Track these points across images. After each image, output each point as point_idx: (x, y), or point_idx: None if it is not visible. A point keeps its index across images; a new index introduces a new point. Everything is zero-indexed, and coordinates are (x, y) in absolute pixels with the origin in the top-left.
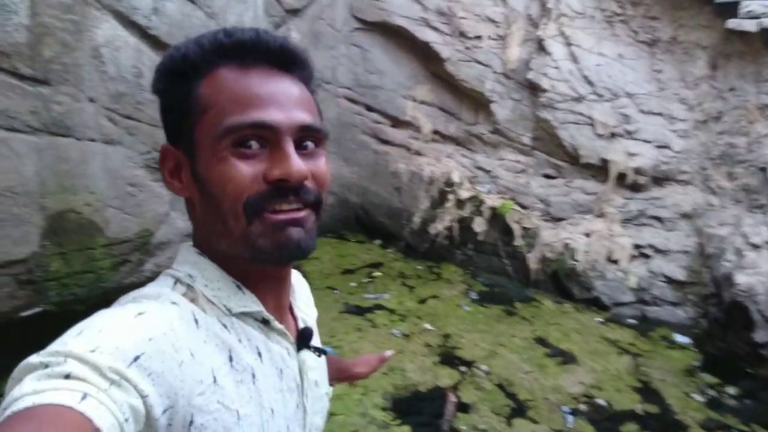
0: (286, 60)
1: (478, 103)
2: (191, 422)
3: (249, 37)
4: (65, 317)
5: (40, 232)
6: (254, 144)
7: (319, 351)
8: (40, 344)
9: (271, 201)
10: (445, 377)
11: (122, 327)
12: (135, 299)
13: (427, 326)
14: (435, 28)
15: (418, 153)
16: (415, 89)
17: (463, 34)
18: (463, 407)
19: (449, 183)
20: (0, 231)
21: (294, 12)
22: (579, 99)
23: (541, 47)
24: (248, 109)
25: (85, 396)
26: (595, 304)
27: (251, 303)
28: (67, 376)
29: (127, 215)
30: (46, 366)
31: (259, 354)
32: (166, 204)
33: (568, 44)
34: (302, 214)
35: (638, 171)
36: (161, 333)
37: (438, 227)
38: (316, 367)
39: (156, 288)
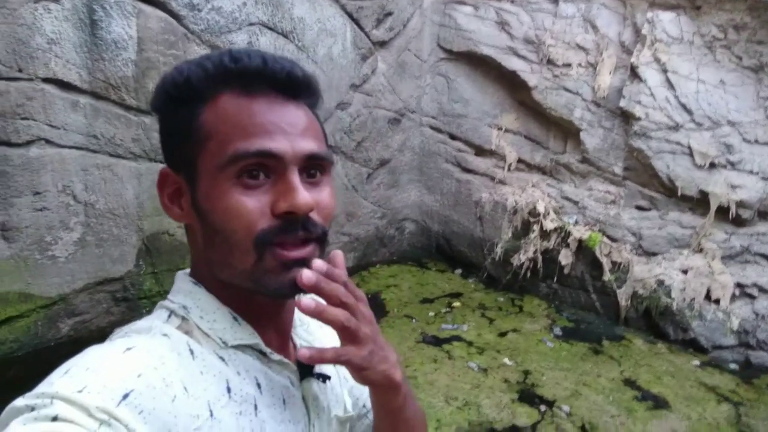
0: (293, 87)
1: (567, 131)
2: None
3: (255, 64)
4: None
5: (136, 252)
6: (259, 174)
7: (323, 377)
8: None
9: (280, 235)
10: (524, 416)
11: (110, 364)
12: (125, 334)
13: (507, 361)
14: (522, 57)
15: (502, 182)
16: (501, 118)
17: (551, 62)
18: None
19: (534, 213)
20: (100, 250)
21: (381, 44)
22: (676, 127)
23: (634, 74)
24: (253, 138)
25: None
26: (692, 345)
27: (247, 335)
28: (55, 419)
29: None
30: (33, 409)
31: (259, 385)
32: None
33: (664, 71)
34: (308, 250)
35: (742, 204)
36: (151, 368)
37: (521, 258)
38: (324, 391)
39: (148, 321)
